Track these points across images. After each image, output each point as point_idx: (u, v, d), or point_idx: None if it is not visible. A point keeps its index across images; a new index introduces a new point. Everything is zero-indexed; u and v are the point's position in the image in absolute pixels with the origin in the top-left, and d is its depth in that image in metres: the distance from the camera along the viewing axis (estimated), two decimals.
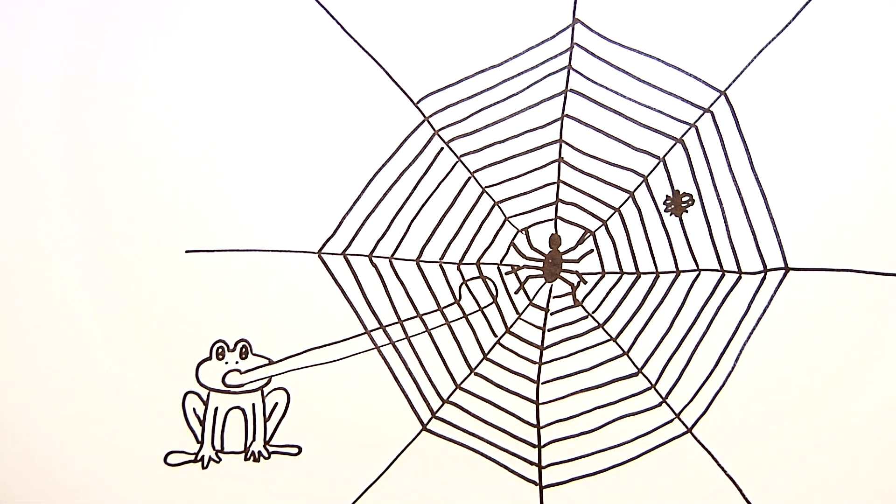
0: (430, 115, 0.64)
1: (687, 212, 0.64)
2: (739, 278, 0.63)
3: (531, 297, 0.66)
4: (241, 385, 0.66)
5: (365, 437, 0.65)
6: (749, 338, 0.64)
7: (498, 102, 0.63)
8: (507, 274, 0.66)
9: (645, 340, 0.65)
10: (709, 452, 0.65)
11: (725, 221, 0.63)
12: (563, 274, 0.66)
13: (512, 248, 0.66)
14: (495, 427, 0.66)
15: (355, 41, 0.63)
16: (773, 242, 0.63)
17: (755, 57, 0.62)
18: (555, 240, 0.66)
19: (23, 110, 0.64)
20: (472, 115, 0.64)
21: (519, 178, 0.64)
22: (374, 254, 0.65)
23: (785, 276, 0.63)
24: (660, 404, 0.65)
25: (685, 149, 0.63)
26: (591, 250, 0.65)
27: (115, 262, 0.64)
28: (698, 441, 0.65)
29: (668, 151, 0.63)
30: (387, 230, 0.65)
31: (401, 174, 0.64)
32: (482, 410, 0.66)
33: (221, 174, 0.64)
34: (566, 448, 0.65)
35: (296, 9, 0.64)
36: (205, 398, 0.65)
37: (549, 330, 0.66)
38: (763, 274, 0.63)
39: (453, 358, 0.66)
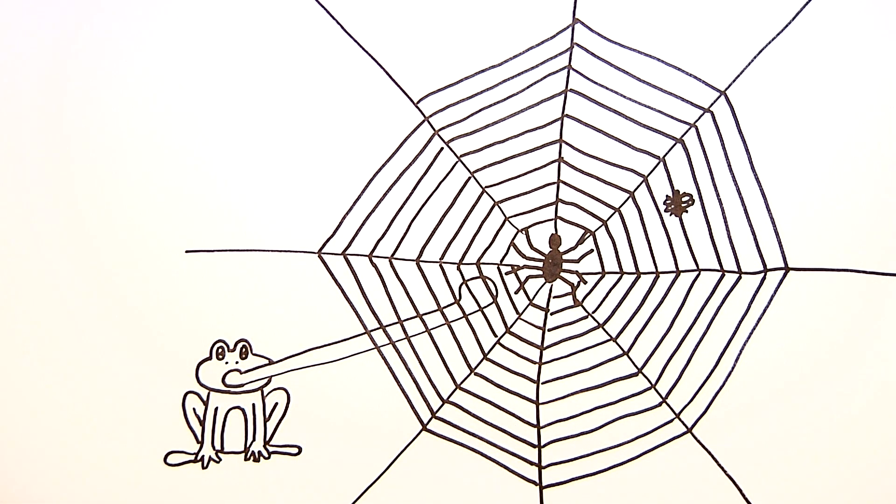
0: (430, 115, 0.64)
1: (687, 212, 0.64)
2: (739, 278, 0.63)
3: (531, 297, 0.66)
4: (241, 385, 0.66)
5: (365, 437, 0.65)
6: (749, 338, 0.64)
7: (498, 102, 0.63)
8: (507, 274, 0.66)
9: (645, 340, 0.65)
10: (709, 452, 0.65)
11: (725, 221, 0.63)
12: (563, 274, 0.66)
13: (512, 248, 0.66)
14: (495, 427, 0.66)
15: (355, 41, 0.63)
16: (773, 242, 0.63)
17: (755, 57, 0.62)
18: (555, 240, 0.66)
19: (17, 106, 0.64)
20: (472, 115, 0.64)
21: (519, 178, 0.64)
22: (374, 254, 0.65)
23: (785, 276, 0.63)
24: (660, 404, 0.65)
25: (685, 149, 0.63)
26: (591, 250, 0.65)
27: (114, 261, 0.64)
28: (698, 441, 0.65)
29: (668, 151, 0.63)
30: (387, 230, 0.65)
31: (401, 174, 0.64)
32: (482, 410, 0.66)
33: (221, 174, 0.64)
34: (566, 448, 0.65)
35: (296, 9, 0.64)
36: (205, 398, 0.65)
37: (549, 330, 0.66)
38: (763, 274, 0.63)
39: (453, 358, 0.66)
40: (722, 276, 0.64)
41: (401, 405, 0.65)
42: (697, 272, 0.64)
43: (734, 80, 0.62)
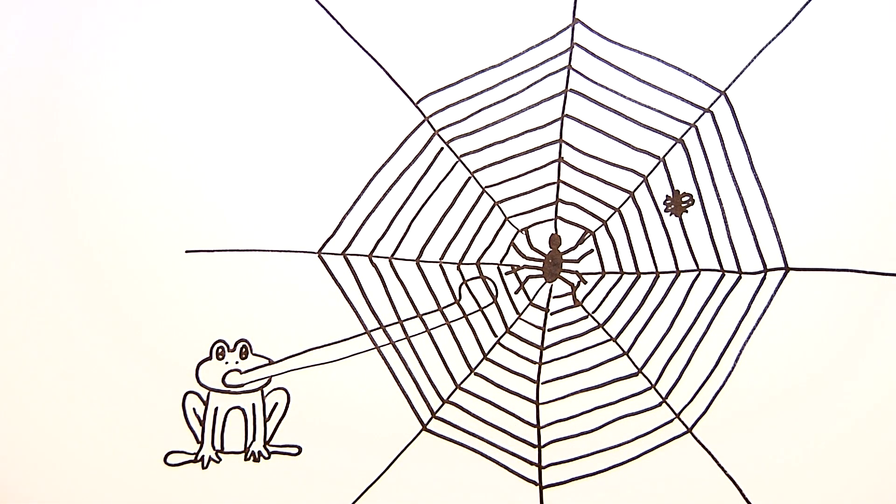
0: (430, 115, 0.64)
1: (687, 212, 0.64)
2: (739, 278, 0.63)
3: (531, 297, 0.66)
4: (241, 385, 0.66)
5: (365, 437, 0.65)
6: (749, 338, 0.64)
7: (498, 102, 0.63)
8: (507, 274, 0.66)
9: (645, 340, 0.65)
10: (709, 452, 0.65)
11: (725, 221, 0.63)
12: (563, 274, 0.66)
13: (512, 248, 0.66)
14: (495, 427, 0.66)
15: (355, 41, 0.63)
16: (773, 242, 0.63)
17: (755, 57, 0.62)
18: (555, 240, 0.66)
19: (14, 106, 0.64)
20: (472, 115, 0.64)
21: (519, 178, 0.64)
22: (374, 254, 0.65)
23: (785, 276, 0.63)
24: (660, 404, 0.65)
25: (685, 149, 0.63)
26: (591, 250, 0.65)
27: (114, 262, 0.64)
28: (698, 441, 0.65)
29: (668, 151, 0.63)
30: (387, 230, 0.65)
31: (401, 174, 0.64)
32: (482, 410, 0.66)
33: (221, 174, 0.64)
34: (566, 448, 0.65)
35: (296, 9, 0.64)
36: (205, 398, 0.65)
37: (549, 330, 0.66)
38: (763, 274, 0.63)
39: (453, 358, 0.66)
40: (722, 276, 0.64)
41: (401, 405, 0.65)
42: (697, 272, 0.64)
43: (734, 80, 0.62)
